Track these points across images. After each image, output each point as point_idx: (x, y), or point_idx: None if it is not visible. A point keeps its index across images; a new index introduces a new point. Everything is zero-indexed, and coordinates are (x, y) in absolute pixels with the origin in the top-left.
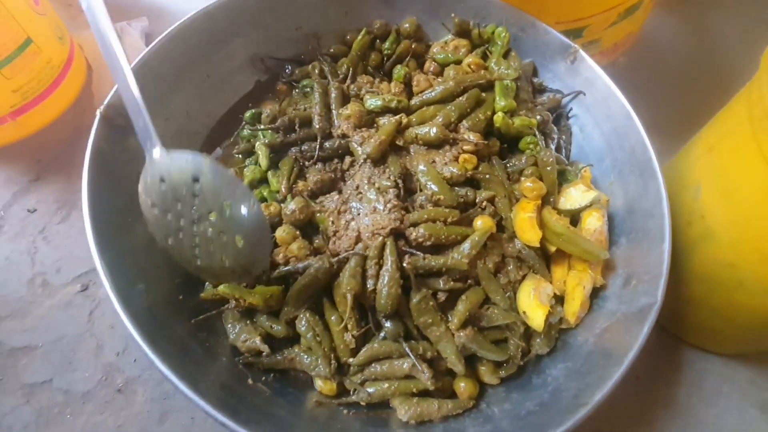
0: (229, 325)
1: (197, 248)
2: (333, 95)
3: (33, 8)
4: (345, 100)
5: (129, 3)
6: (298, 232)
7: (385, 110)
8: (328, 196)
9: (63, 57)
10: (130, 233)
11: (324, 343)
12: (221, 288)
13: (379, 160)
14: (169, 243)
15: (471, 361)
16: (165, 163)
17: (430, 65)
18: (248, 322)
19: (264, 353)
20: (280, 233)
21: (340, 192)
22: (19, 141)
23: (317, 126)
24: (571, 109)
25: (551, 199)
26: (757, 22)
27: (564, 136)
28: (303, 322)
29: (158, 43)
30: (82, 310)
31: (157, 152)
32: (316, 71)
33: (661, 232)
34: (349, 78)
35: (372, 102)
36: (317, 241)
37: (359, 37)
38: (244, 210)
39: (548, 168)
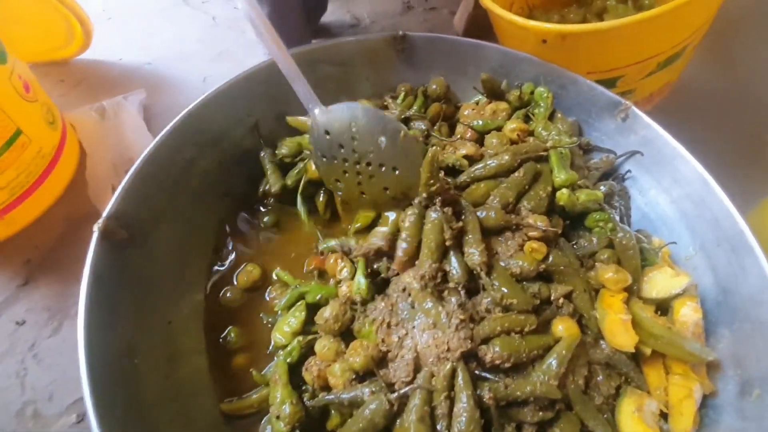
0: None
1: (361, 184)
2: None
3: (23, 96)
4: None
5: (125, 75)
6: (342, 346)
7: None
8: (371, 303)
9: (54, 143)
10: (134, 379)
11: None
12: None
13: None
14: (338, 185)
15: None
16: (326, 118)
17: (465, 132)
18: None
19: None
20: (320, 348)
21: (383, 298)
22: (5, 240)
23: None
24: (628, 170)
25: (635, 288)
26: None
27: (623, 201)
28: None
29: (163, 135)
30: None
31: (317, 111)
32: None
33: None
34: None
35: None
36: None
37: (418, 99)
38: (395, 141)
39: (630, 252)
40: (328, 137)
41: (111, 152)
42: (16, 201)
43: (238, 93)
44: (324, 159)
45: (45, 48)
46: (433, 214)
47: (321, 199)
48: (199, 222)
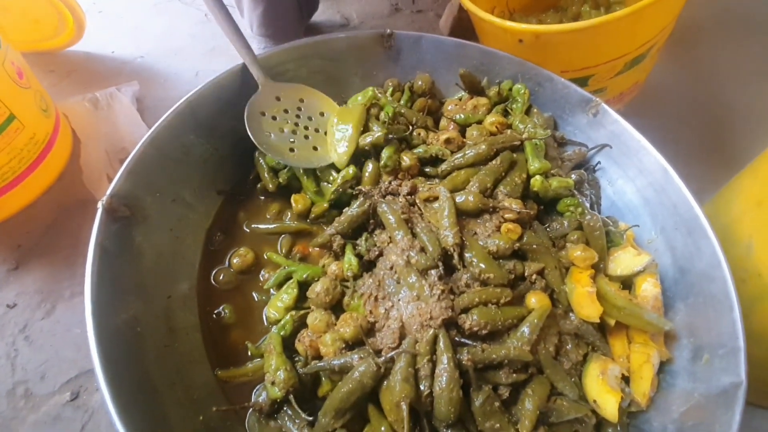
0: None
1: (294, 141)
2: None
3: (17, 82)
4: None
5: (118, 67)
6: (333, 319)
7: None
8: (360, 280)
9: (48, 130)
10: (137, 345)
11: None
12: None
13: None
14: (271, 138)
15: None
16: (277, 88)
17: (449, 125)
18: None
19: None
20: (312, 320)
21: (371, 275)
22: None
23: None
24: (599, 162)
25: (601, 266)
26: (759, 64)
27: (593, 190)
28: None
29: (164, 121)
30: (73, 424)
31: (266, 81)
32: None
33: (728, 298)
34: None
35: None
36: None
37: (405, 94)
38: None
39: (596, 233)
40: (278, 102)
41: (104, 141)
42: (8, 186)
43: (233, 84)
44: (263, 115)
45: (35, 37)
46: (383, 206)
47: (307, 179)
48: (196, 206)
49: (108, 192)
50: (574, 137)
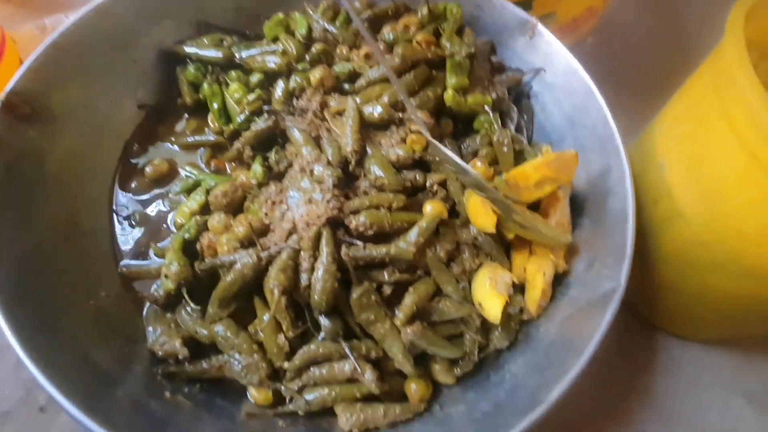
0: (150, 328)
1: None
2: None
3: None
4: None
5: None
6: (232, 221)
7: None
8: (265, 187)
9: None
10: (30, 230)
11: (247, 349)
12: None
13: (314, 143)
14: None
15: (425, 359)
16: None
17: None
18: (171, 325)
19: (182, 357)
20: (211, 222)
21: (276, 183)
22: None
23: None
24: (532, 87)
25: None
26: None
27: (526, 116)
28: (219, 338)
29: (76, 23)
30: None
31: None
32: None
33: (624, 211)
34: None
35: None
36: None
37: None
38: None
39: (504, 148)
40: None
41: None
42: None
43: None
44: None
45: None
46: (290, 126)
47: (215, 107)
48: (113, 116)
49: (7, 88)
50: (512, 62)
